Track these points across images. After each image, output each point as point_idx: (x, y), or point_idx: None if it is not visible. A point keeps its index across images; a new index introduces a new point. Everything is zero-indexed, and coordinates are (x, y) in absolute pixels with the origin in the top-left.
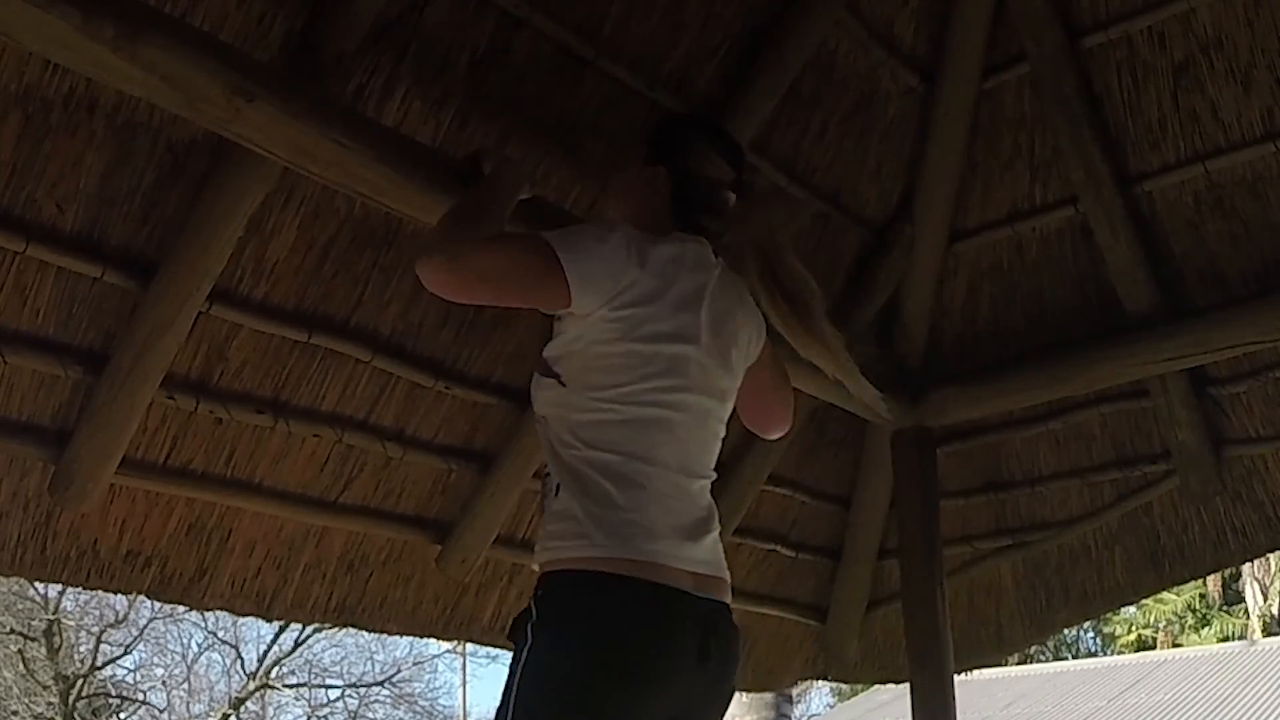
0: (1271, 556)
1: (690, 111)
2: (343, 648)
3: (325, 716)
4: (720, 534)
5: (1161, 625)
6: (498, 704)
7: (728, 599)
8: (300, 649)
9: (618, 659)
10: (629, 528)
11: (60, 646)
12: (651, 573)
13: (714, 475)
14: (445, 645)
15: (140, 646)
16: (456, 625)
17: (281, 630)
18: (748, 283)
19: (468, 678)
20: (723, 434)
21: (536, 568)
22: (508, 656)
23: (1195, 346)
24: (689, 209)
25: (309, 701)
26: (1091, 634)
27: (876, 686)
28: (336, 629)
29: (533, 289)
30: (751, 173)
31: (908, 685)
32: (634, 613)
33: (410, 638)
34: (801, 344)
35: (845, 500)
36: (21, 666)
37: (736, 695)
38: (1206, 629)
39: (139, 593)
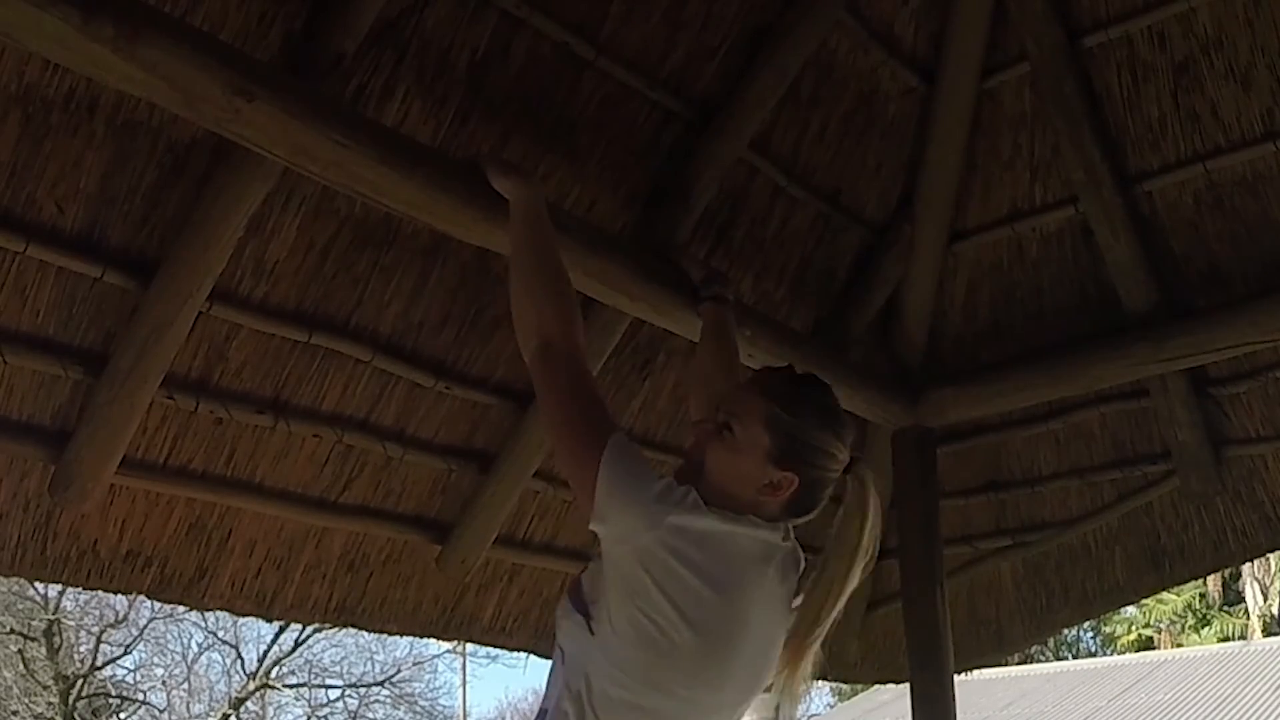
0: (1271, 556)
1: (808, 377)
2: (343, 648)
3: (325, 716)
4: None
5: (1163, 625)
6: None
7: None
8: (300, 649)
9: None
10: None
11: (60, 646)
12: None
13: None
14: (445, 645)
15: (140, 646)
16: (456, 625)
17: (281, 630)
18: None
19: (468, 678)
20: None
21: None
22: (508, 656)
23: (1195, 346)
24: (809, 508)
25: (309, 701)
26: (1091, 634)
27: (876, 686)
28: (336, 629)
29: (570, 460)
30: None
31: (908, 685)
32: None
33: (410, 638)
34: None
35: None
36: (21, 666)
37: None
38: (1206, 629)
39: (139, 593)
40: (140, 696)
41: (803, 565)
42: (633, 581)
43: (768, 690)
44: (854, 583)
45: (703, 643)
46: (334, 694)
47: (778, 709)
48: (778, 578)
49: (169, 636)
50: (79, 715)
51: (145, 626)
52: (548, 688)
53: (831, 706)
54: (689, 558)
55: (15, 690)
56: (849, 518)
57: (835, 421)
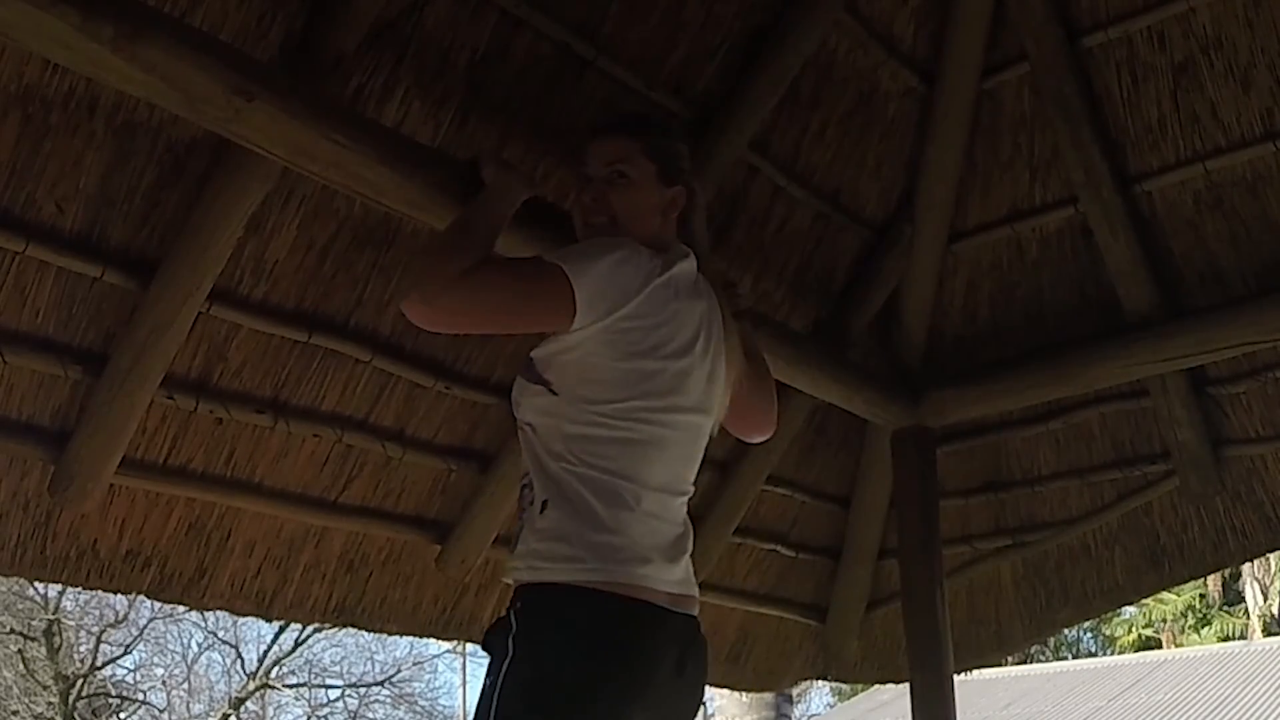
0: (1271, 556)
1: (668, 114)
2: (343, 648)
3: (325, 716)
4: (693, 549)
5: (1164, 625)
6: (474, 716)
7: (697, 612)
8: (300, 649)
9: (600, 672)
10: (619, 552)
11: (60, 646)
12: (635, 593)
13: (693, 489)
14: (445, 645)
15: (140, 646)
16: (456, 625)
17: (281, 630)
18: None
19: (468, 678)
20: (706, 445)
21: (511, 580)
22: None
23: (1195, 346)
24: (685, 224)
25: (309, 701)
26: (1090, 635)
27: (876, 686)
28: (336, 629)
29: (537, 312)
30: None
31: (908, 685)
32: (616, 627)
33: (410, 638)
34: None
35: (845, 500)
36: (21, 666)
37: (736, 695)
38: (1206, 629)
39: (139, 593)
40: (140, 696)
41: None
42: (624, 333)
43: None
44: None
45: (674, 366)
46: (334, 694)
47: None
48: (701, 283)
49: (169, 636)
50: (79, 715)
51: (145, 626)
52: (528, 470)
53: (831, 706)
54: (662, 295)
55: (15, 690)
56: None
57: (680, 134)
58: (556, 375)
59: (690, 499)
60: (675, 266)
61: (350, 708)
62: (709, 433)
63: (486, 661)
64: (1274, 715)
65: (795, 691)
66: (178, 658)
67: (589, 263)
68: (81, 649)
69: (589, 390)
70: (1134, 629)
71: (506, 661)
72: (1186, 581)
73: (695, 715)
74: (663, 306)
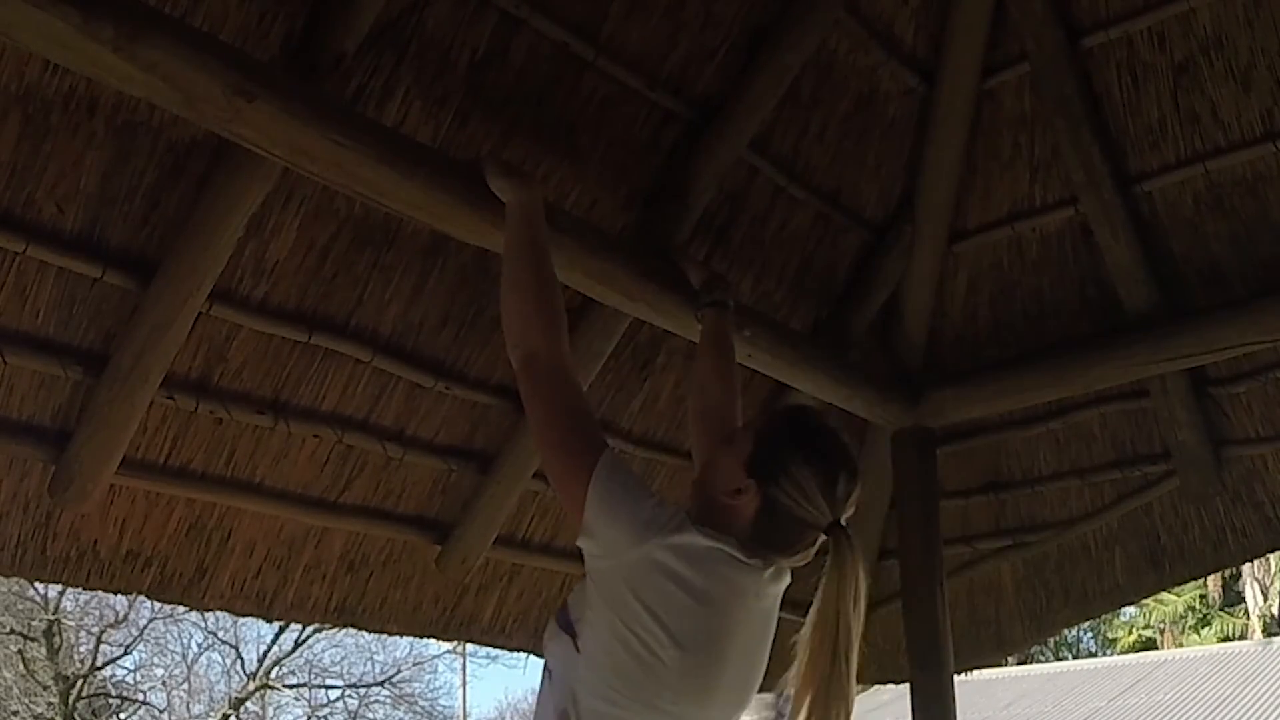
0: (1271, 556)
1: (817, 416)
2: (343, 648)
3: (325, 717)
4: None
5: (1164, 625)
6: None
7: None
8: (300, 649)
9: None
10: None
11: (60, 646)
12: None
13: None
14: (445, 645)
15: (140, 646)
16: (456, 626)
17: (281, 630)
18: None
19: (468, 678)
20: None
21: None
22: (508, 657)
23: (1195, 346)
24: (770, 542)
25: (309, 702)
26: (1091, 635)
27: (876, 686)
28: (336, 629)
29: (557, 473)
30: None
31: (908, 685)
32: None
33: (410, 638)
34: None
35: None
36: (21, 666)
37: None
38: (1206, 629)
39: (139, 593)
40: (140, 697)
41: (786, 581)
42: (618, 597)
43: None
44: (828, 647)
45: (688, 658)
46: (334, 694)
47: None
48: (762, 594)
49: (169, 637)
50: (79, 715)
51: (145, 627)
52: (537, 711)
53: None
54: (675, 574)
55: (15, 690)
56: (827, 579)
57: (821, 461)
58: (582, 630)
59: None
60: (710, 554)
61: (350, 708)
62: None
63: None
64: (1274, 715)
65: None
66: (178, 658)
67: (616, 490)
68: (81, 649)
69: (601, 658)
70: (1134, 629)
71: None
72: (1186, 582)
73: None
74: (677, 583)
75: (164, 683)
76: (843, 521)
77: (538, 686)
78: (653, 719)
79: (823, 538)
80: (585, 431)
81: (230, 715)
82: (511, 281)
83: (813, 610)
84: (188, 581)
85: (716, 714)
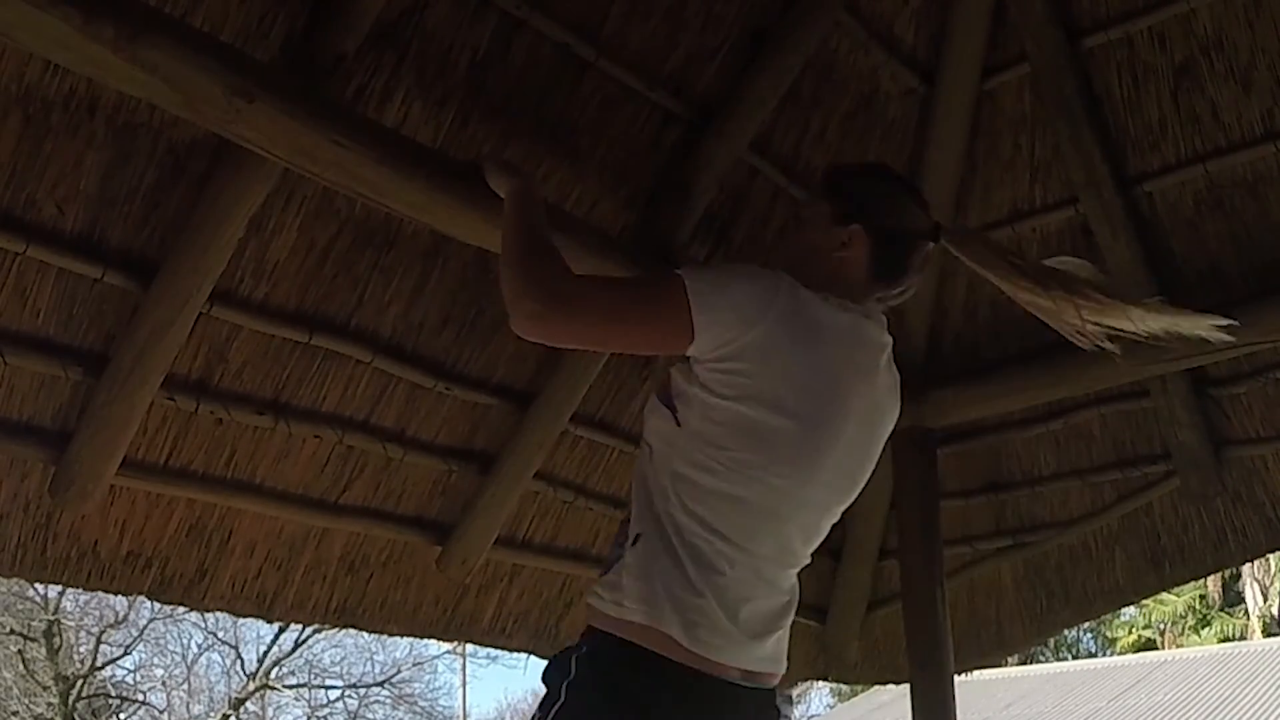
0: (1271, 557)
1: (863, 163)
2: (343, 648)
3: (325, 717)
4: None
5: (1164, 626)
6: None
7: (775, 685)
8: (300, 649)
9: None
10: (699, 615)
11: (60, 647)
12: (706, 666)
13: (809, 560)
14: (445, 646)
15: (140, 647)
16: (456, 626)
17: (281, 631)
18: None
19: (468, 678)
20: (837, 520)
21: (589, 602)
22: (508, 657)
23: (1195, 346)
24: (894, 268)
25: (309, 702)
26: (1091, 636)
27: (876, 686)
28: (336, 630)
29: (655, 332)
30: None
31: (908, 685)
32: (677, 702)
33: (410, 638)
34: (1106, 316)
35: None
36: (21, 666)
37: None
38: (1206, 630)
39: (139, 594)
40: (140, 697)
41: (889, 340)
42: (733, 373)
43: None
44: (1029, 273)
45: (801, 428)
46: (334, 694)
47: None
48: (879, 369)
49: (169, 637)
50: (79, 715)
51: (145, 627)
52: (634, 485)
53: (831, 707)
54: (794, 340)
55: (15, 690)
56: (979, 262)
57: (895, 179)
58: (683, 405)
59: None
60: (835, 313)
61: (350, 708)
62: (839, 508)
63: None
64: (1274, 715)
65: (795, 692)
66: (178, 658)
67: (716, 286)
68: (81, 649)
69: (709, 432)
70: (1134, 630)
71: (555, 707)
72: (1186, 582)
73: None
74: (797, 347)
75: (164, 683)
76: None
77: (637, 464)
78: (757, 493)
79: (931, 247)
80: (639, 284)
81: (230, 715)
82: (511, 251)
83: (993, 278)
84: (188, 582)
85: (821, 494)
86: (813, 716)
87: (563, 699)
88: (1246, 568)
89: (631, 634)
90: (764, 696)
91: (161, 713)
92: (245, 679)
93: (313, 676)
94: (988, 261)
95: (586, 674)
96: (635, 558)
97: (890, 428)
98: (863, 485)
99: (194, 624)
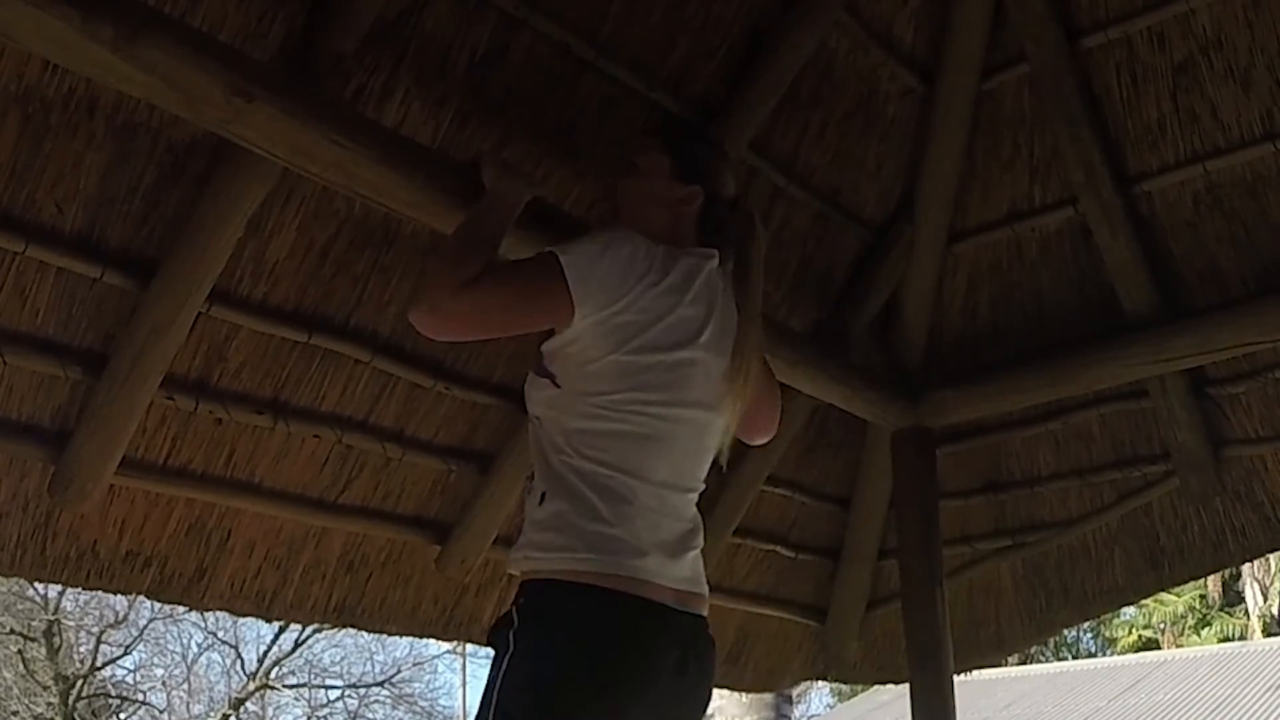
0: (1271, 557)
1: (689, 118)
2: (343, 648)
3: (325, 717)
4: (703, 547)
5: (1165, 627)
6: (477, 709)
7: (705, 612)
8: (300, 649)
9: (599, 668)
10: (614, 543)
11: (60, 646)
12: (634, 588)
13: (704, 486)
14: (445, 646)
15: (140, 647)
16: (456, 626)
17: (281, 631)
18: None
19: (468, 678)
20: (717, 444)
21: (516, 572)
22: None
23: (1195, 346)
24: (712, 229)
25: (309, 702)
26: (1090, 636)
27: (876, 686)
28: (336, 629)
29: (539, 309)
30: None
31: (908, 685)
32: (616, 624)
33: (410, 638)
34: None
35: (845, 500)
36: (21, 666)
37: (736, 695)
38: (1206, 630)
39: (139, 593)
40: (140, 697)
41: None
42: (610, 332)
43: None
44: (745, 294)
45: (667, 359)
46: (334, 694)
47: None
48: (718, 290)
49: (169, 637)
50: (79, 715)
51: (145, 627)
52: (534, 462)
53: (831, 707)
54: (661, 291)
55: (15, 690)
56: (744, 245)
57: (719, 145)
58: (560, 369)
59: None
60: (680, 261)
61: (350, 708)
62: (719, 430)
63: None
64: (1274, 715)
65: (795, 692)
66: (178, 658)
67: (582, 255)
68: (81, 649)
69: (587, 383)
70: (1134, 630)
71: (507, 656)
72: (1186, 582)
73: (701, 716)
74: (659, 299)
75: (164, 683)
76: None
77: (530, 439)
78: (640, 425)
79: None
80: (522, 265)
81: (230, 715)
82: (436, 259)
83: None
84: (188, 581)
85: (697, 414)
86: (813, 716)
87: (511, 647)
88: (1246, 568)
89: (562, 576)
90: (699, 622)
91: (161, 713)
92: (245, 679)
93: (313, 676)
94: (746, 254)
95: (529, 618)
96: (545, 514)
97: (734, 321)
98: (732, 397)
99: (194, 624)
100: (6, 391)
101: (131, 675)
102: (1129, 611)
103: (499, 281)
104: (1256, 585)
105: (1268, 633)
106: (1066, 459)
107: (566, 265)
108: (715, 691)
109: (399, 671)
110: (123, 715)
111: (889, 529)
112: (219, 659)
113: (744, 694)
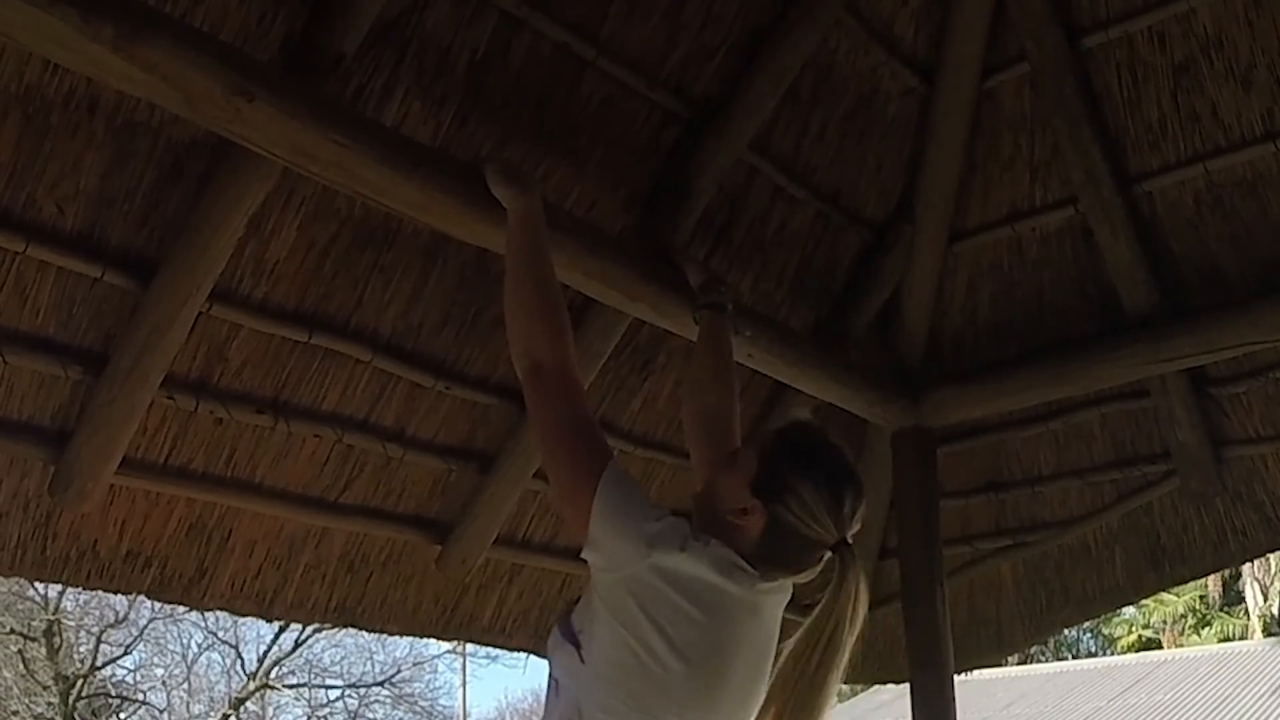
0: (1271, 556)
1: (820, 433)
2: (343, 648)
3: (325, 716)
4: None
5: (1165, 626)
6: None
7: None
8: (300, 649)
9: None
10: None
11: (60, 646)
12: None
13: None
14: (445, 645)
15: (140, 646)
16: (456, 625)
17: (281, 630)
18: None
19: (468, 678)
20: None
21: None
22: (507, 657)
23: (1195, 346)
24: (777, 559)
25: (309, 701)
26: (1090, 635)
27: (876, 686)
28: (336, 629)
29: (568, 473)
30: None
31: (908, 685)
32: None
33: (410, 638)
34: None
35: None
36: (21, 666)
37: None
38: (1207, 630)
39: (139, 593)
40: (140, 696)
41: (788, 596)
42: (623, 609)
43: None
44: (814, 660)
45: (693, 670)
46: (334, 694)
47: None
48: (765, 609)
49: (169, 636)
50: (79, 715)
51: (145, 626)
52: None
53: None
54: (681, 587)
55: (15, 690)
56: (829, 596)
57: (826, 480)
58: (585, 641)
59: None
60: (727, 585)
61: (350, 708)
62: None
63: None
64: (1274, 715)
65: None
66: (178, 658)
67: (626, 496)
68: (81, 649)
69: (609, 671)
70: (1134, 629)
71: None
72: (1187, 582)
73: None
74: (681, 609)
75: (164, 683)
76: (849, 539)
77: (544, 696)
78: None
79: (828, 555)
80: (590, 442)
81: (230, 715)
82: (514, 290)
83: (809, 621)
84: (188, 581)
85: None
86: None
87: None
88: (1246, 568)
89: None
90: None
91: (161, 712)
92: (245, 679)
93: (313, 676)
94: (835, 610)
95: None
96: None
97: (774, 648)
98: (754, 712)
99: (194, 624)
100: (7, 391)
101: (131, 675)
102: (1129, 611)
103: (573, 420)
104: (1256, 585)
105: (1268, 633)
106: (1067, 459)
107: (603, 481)
108: None
109: (399, 671)
110: (123, 715)
111: (889, 528)
112: (219, 659)
113: None
